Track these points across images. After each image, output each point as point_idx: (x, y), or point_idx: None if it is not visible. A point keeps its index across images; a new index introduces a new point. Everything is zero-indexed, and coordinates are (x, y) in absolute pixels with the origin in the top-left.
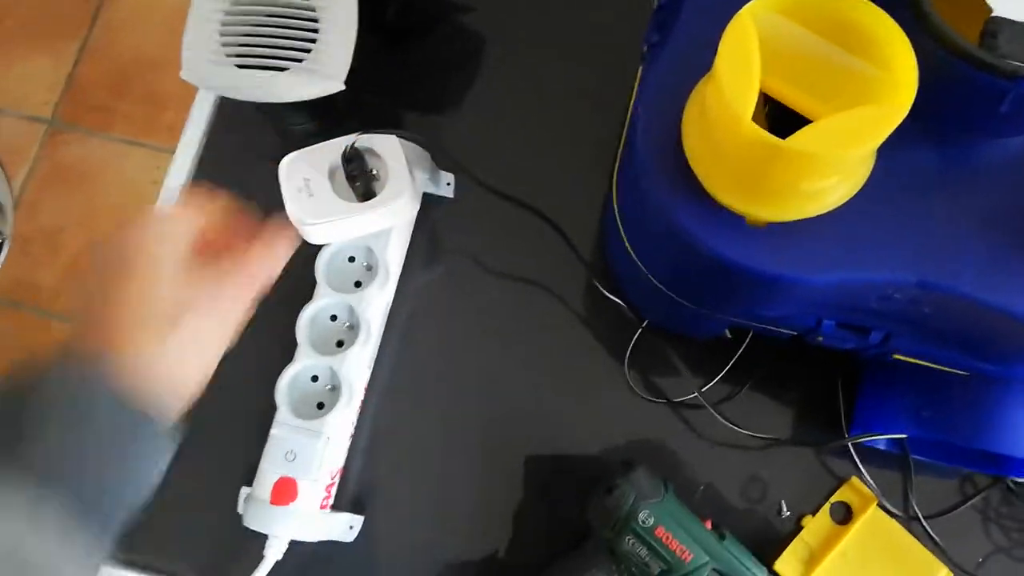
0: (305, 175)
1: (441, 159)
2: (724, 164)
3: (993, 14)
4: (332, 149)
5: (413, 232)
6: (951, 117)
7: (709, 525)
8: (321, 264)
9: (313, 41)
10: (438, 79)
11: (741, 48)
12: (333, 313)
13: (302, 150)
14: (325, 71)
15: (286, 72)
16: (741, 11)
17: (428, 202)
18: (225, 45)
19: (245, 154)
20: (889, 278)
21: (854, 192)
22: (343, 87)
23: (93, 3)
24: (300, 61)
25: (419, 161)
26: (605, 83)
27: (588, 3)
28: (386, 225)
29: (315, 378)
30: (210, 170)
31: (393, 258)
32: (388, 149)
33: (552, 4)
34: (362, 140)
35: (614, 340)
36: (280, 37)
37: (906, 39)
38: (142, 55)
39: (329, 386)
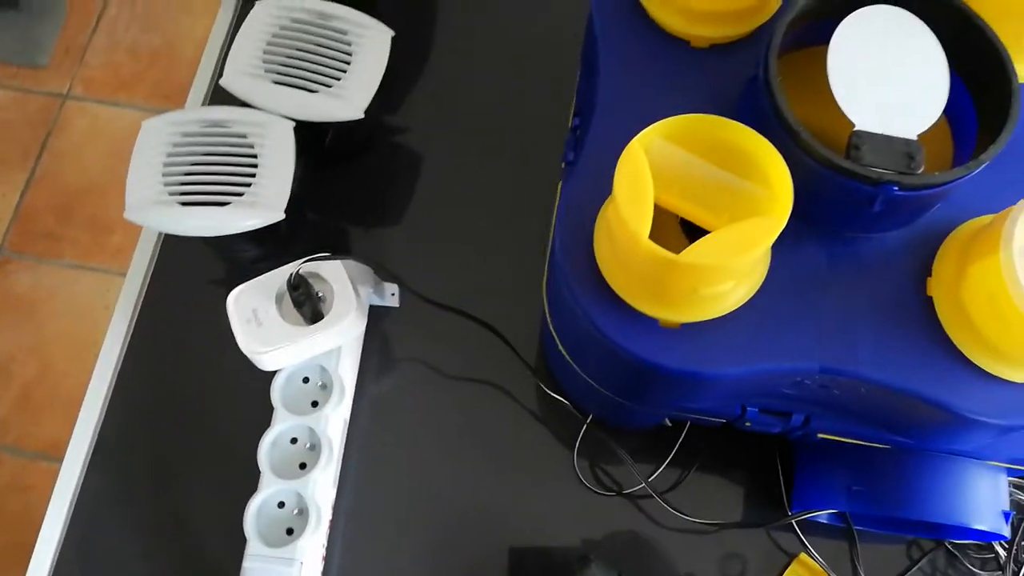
0: (253, 305)
1: (384, 273)
2: (631, 275)
3: (856, 128)
4: (277, 277)
5: (364, 345)
6: (833, 218)
7: None
8: (277, 389)
9: (252, 175)
10: (377, 195)
11: (634, 173)
12: (293, 436)
13: (247, 283)
14: (265, 203)
15: (228, 207)
16: (632, 141)
17: (376, 313)
18: (167, 185)
19: (193, 280)
20: (794, 367)
21: (754, 291)
22: (283, 216)
23: (42, 132)
24: (241, 195)
25: (362, 277)
26: (540, 191)
27: (520, 114)
28: (336, 344)
29: (281, 504)
30: (159, 297)
31: (346, 374)
32: (331, 272)
33: (483, 116)
34: (306, 267)
35: (563, 437)
36: (221, 174)
37: (780, 158)
38: (88, 181)
39: (296, 510)
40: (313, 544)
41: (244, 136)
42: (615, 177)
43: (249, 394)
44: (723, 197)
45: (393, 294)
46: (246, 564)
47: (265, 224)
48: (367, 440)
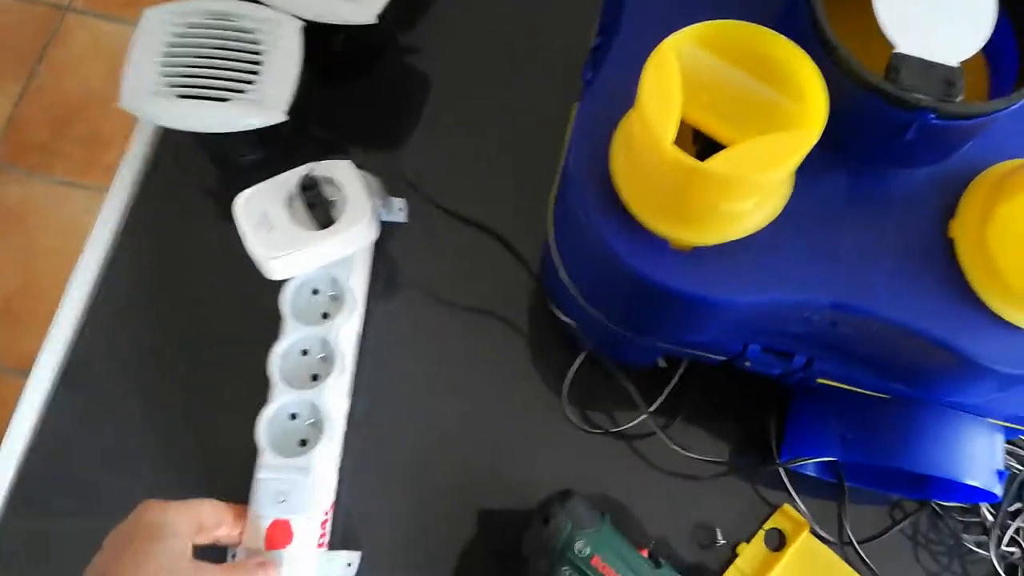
0: (262, 209)
1: (392, 185)
2: (648, 189)
3: (896, 50)
4: (286, 181)
5: (372, 260)
6: (862, 147)
7: (646, 554)
8: (286, 299)
9: (256, 72)
10: (383, 110)
11: (662, 76)
12: (304, 347)
13: (255, 186)
14: (268, 101)
15: (228, 103)
16: (663, 43)
17: (383, 228)
18: (167, 76)
19: (185, 191)
20: (806, 300)
21: (772, 217)
22: (286, 117)
23: (40, 42)
24: (243, 92)
25: (370, 187)
26: (554, 113)
27: (534, 36)
28: (349, 251)
29: (294, 416)
30: (148, 209)
31: (358, 285)
32: (344, 175)
33: (500, 37)
34: (317, 168)
35: (559, 367)
36: (223, 68)
37: (817, 72)
38: (87, 94)
39: (310, 421)
40: (328, 455)
41: (250, 32)
42: (642, 79)
43: (252, 306)
44: (753, 111)
45: (401, 209)
46: (259, 475)
47: (266, 124)
48: (377, 355)
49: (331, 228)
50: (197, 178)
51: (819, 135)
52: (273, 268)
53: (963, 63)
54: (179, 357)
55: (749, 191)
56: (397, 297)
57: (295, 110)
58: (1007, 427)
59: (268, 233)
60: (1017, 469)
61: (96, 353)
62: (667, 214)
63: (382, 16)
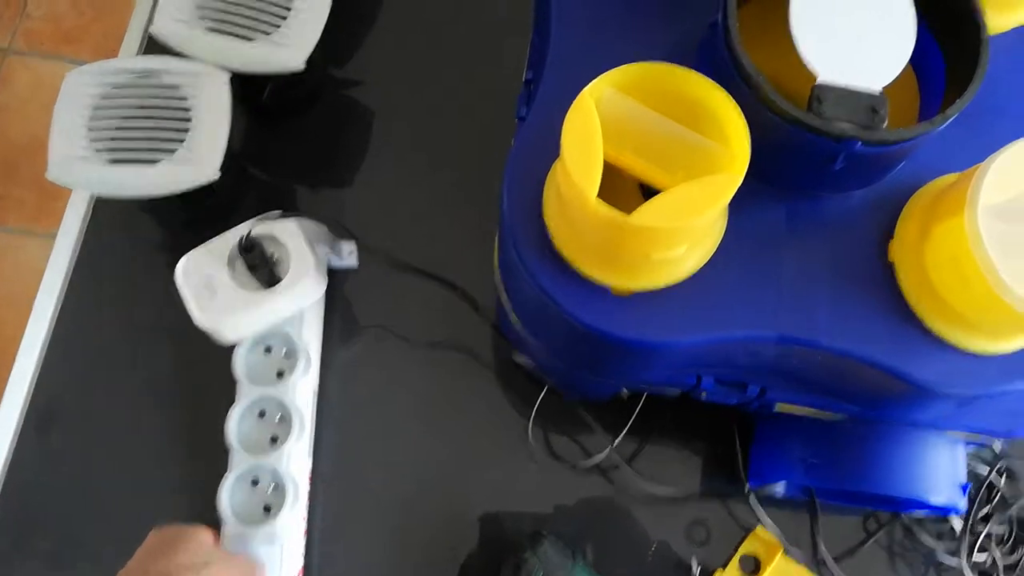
0: (204, 272)
1: (340, 230)
2: (581, 239)
3: (818, 80)
4: (227, 240)
5: (325, 309)
6: (794, 176)
7: None
8: (239, 361)
9: (185, 131)
10: (328, 150)
11: (583, 128)
12: (261, 409)
13: (196, 249)
14: (199, 160)
15: (158, 164)
16: (582, 91)
17: (334, 275)
18: (94, 141)
19: (128, 245)
20: (751, 335)
21: (708, 256)
22: (218, 175)
23: None
24: (173, 152)
25: (318, 236)
26: (501, 145)
27: (479, 65)
28: (297, 308)
29: (255, 481)
30: (91, 262)
31: (312, 339)
32: (285, 231)
33: (440, 68)
34: (257, 227)
35: (520, 406)
36: (150, 128)
37: (738, 112)
38: (33, 137)
39: (272, 485)
40: (294, 519)
41: (176, 87)
42: (563, 131)
43: (207, 367)
44: (678, 153)
45: (351, 252)
46: (224, 546)
47: (199, 184)
48: (338, 408)
49: (275, 287)
50: (141, 235)
51: (742, 176)
52: (221, 332)
53: (888, 87)
54: (137, 409)
55: (677, 239)
56: (354, 345)
57: (232, 161)
58: (968, 438)
59: (211, 299)
60: (983, 473)
61: (58, 399)
62: (601, 262)
63: (311, 60)
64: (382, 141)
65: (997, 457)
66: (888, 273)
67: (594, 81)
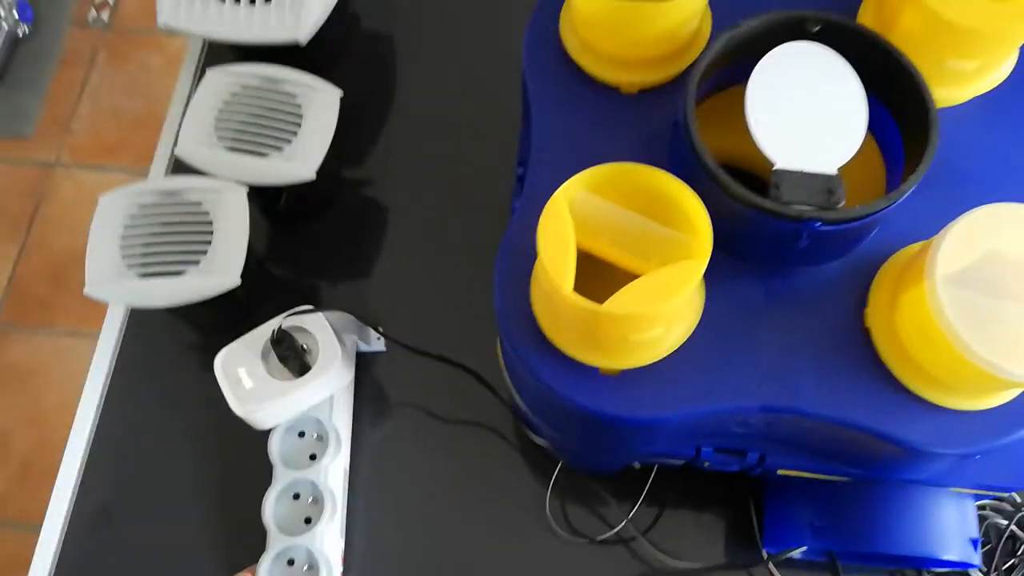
0: (239, 365)
1: (366, 319)
2: (564, 326)
3: (775, 167)
4: (261, 335)
5: (356, 393)
6: (766, 254)
7: None
8: (274, 446)
9: (208, 242)
10: (348, 247)
11: (556, 227)
12: (296, 492)
13: (234, 343)
14: (221, 269)
15: (183, 276)
16: (555, 194)
17: (364, 360)
18: (126, 257)
19: (164, 347)
20: (736, 407)
21: (690, 331)
22: (238, 282)
23: (31, 202)
24: (197, 263)
25: (345, 326)
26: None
27: (485, 161)
28: (326, 394)
29: (291, 561)
30: (130, 365)
31: (341, 423)
32: (313, 323)
33: (447, 165)
34: (288, 321)
35: (541, 482)
36: (177, 243)
37: (699, 204)
38: (79, 247)
39: (306, 566)
40: None
41: (199, 204)
42: (538, 231)
43: (244, 453)
44: (650, 243)
45: (379, 338)
46: None
47: (221, 291)
48: (369, 488)
49: (306, 376)
50: (178, 324)
51: (706, 263)
52: (256, 420)
53: (853, 163)
54: (179, 498)
55: (652, 323)
56: (383, 426)
57: (256, 265)
58: (978, 493)
59: (247, 388)
60: (1003, 524)
61: (104, 498)
62: (586, 346)
63: (323, 168)
64: (397, 235)
65: (1017, 508)
66: (866, 339)
67: (566, 183)
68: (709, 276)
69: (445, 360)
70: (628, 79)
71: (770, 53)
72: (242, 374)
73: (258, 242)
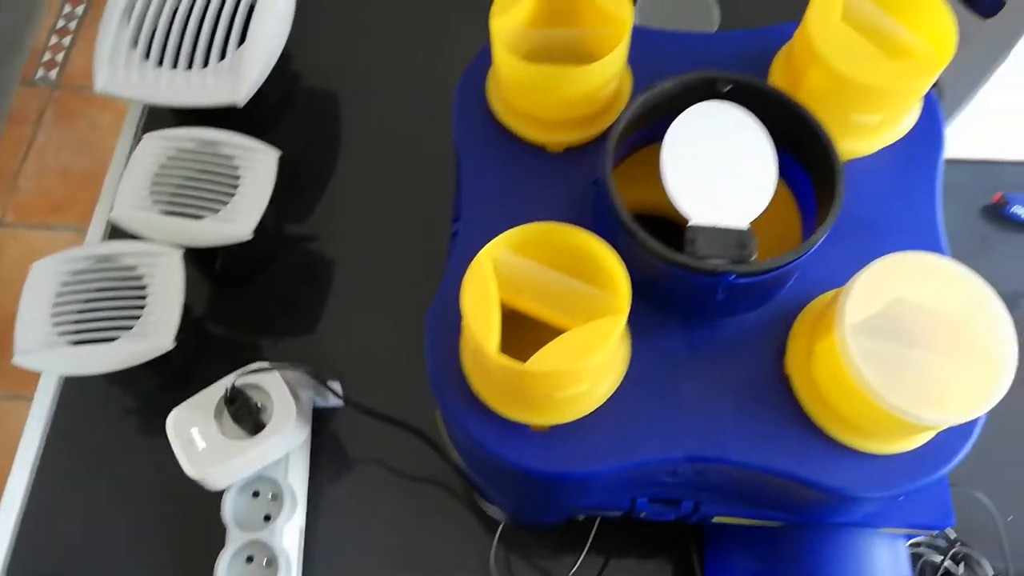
0: (191, 425)
1: (323, 374)
2: (492, 383)
3: (690, 223)
4: (214, 394)
5: (313, 449)
6: (687, 306)
7: None
8: (227, 507)
9: (142, 307)
10: (292, 303)
11: (481, 287)
12: (248, 554)
13: (186, 402)
14: (155, 332)
15: (115, 342)
16: (478, 254)
17: (321, 414)
18: (57, 324)
19: (101, 412)
20: (663, 458)
21: (617, 384)
22: (173, 345)
23: None
24: (130, 328)
25: (301, 382)
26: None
27: (420, 217)
28: (282, 453)
29: None
30: (66, 432)
31: (297, 482)
32: (268, 380)
33: (384, 222)
34: (241, 379)
35: (487, 538)
36: (110, 308)
37: (617, 262)
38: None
39: None
40: None
41: (133, 268)
42: (462, 292)
43: (194, 516)
44: (573, 300)
45: (337, 394)
46: None
47: (155, 354)
48: (325, 546)
49: (259, 435)
50: (115, 390)
51: (624, 320)
52: (210, 481)
53: (766, 217)
54: (125, 566)
55: (575, 379)
56: (340, 483)
57: (195, 323)
58: (910, 532)
59: (200, 449)
60: (937, 560)
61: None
62: (514, 403)
63: (262, 226)
64: (344, 289)
65: (951, 544)
66: (786, 386)
67: (489, 244)
68: (633, 328)
69: (394, 422)
70: (553, 139)
71: (683, 114)
72: (195, 434)
73: (197, 303)
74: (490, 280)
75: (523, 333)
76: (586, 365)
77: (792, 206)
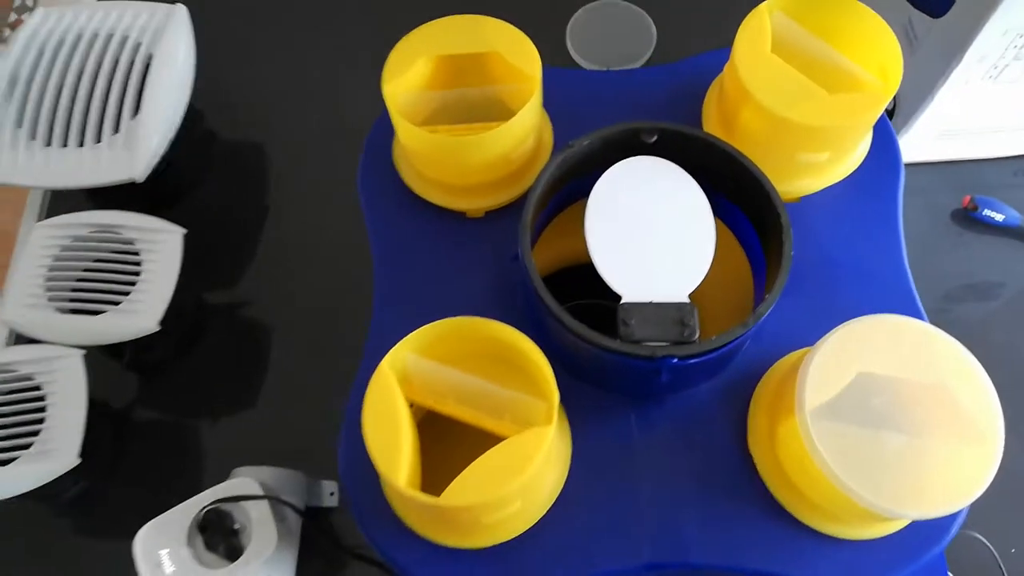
0: (161, 547)
1: (316, 472)
2: (410, 509)
3: (623, 301)
4: (187, 511)
5: (305, 543)
6: (633, 387)
7: None
8: None
9: (42, 420)
10: (234, 378)
11: (384, 406)
12: None
13: (153, 521)
14: (56, 451)
15: (15, 464)
16: (380, 364)
17: (318, 512)
18: None
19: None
20: (618, 569)
21: (559, 489)
22: (76, 462)
23: None
24: (28, 447)
25: (289, 482)
26: None
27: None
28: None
29: None
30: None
31: None
32: (246, 490)
33: (318, 281)
34: (217, 491)
35: None
36: (6, 426)
37: (544, 362)
38: None
39: None
40: None
41: (31, 378)
42: (363, 412)
43: None
44: (495, 402)
45: (332, 493)
46: None
47: (56, 475)
48: None
49: (236, 564)
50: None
51: (552, 429)
52: None
53: (717, 278)
54: None
55: (501, 504)
56: None
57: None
58: None
59: (167, 575)
60: None
61: None
62: (441, 531)
63: (164, 320)
64: (284, 360)
65: None
66: (749, 465)
67: (392, 350)
68: (575, 412)
69: (360, 558)
70: (470, 205)
71: (604, 176)
72: (163, 557)
73: (115, 399)
74: (395, 396)
75: (461, 429)
76: (509, 491)
77: (743, 261)
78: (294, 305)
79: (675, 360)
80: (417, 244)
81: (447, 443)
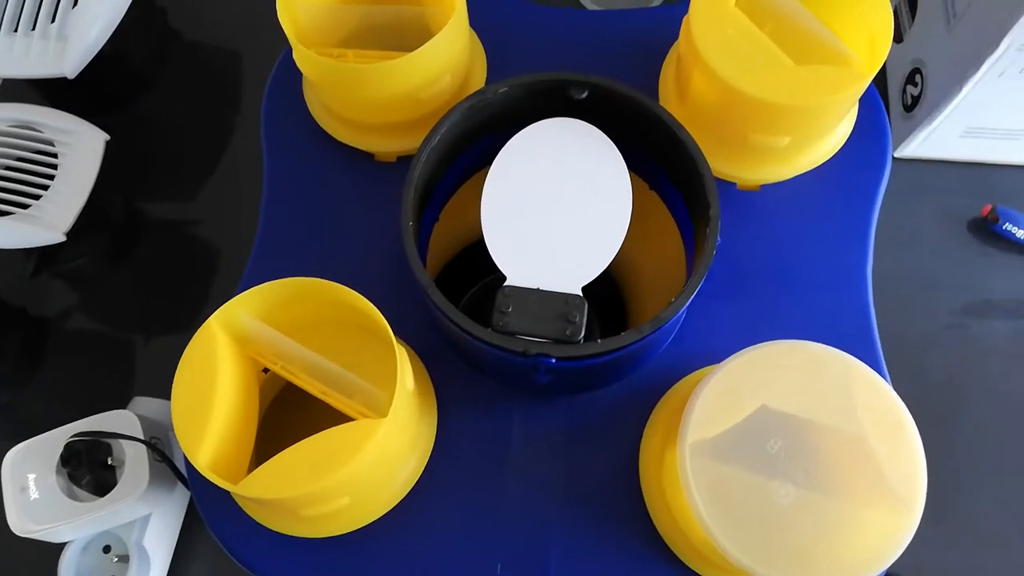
0: (29, 471)
1: None
2: (261, 510)
3: (505, 283)
4: (58, 439)
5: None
6: (517, 383)
7: None
8: (66, 563)
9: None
10: (165, 299)
11: (201, 369)
12: None
13: (29, 440)
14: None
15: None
16: (208, 320)
17: None
18: None
19: None
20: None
21: (414, 481)
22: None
23: None
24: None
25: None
26: None
27: None
28: (129, 519)
29: None
30: None
31: (156, 547)
32: (124, 427)
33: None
34: (92, 422)
35: None
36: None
37: (395, 343)
38: None
39: None
40: None
41: (51, 144)
42: (176, 374)
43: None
44: (348, 379)
45: None
46: None
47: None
48: None
49: (100, 500)
50: None
51: (384, 427)
52: (35, 538)
53: (639, 237)
54: None
55: (323, 497)
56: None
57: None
58: None
59: (29, 502)
60: None
61: None
62: (289, 522)
63: (87, 231)
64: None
65: None
66: (638, 489)
67: (223, 307)
68: (449, 398)
69: None
70: (380, 147)
71: (518, 135)
72: (30, 481)
73: (36, 306)
74: (215, 359)
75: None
76: (325, 486)
77: (675, 237)
78: (240, 232)
79: (552, 360)
80: (314, 187)
81: (309, 422)
